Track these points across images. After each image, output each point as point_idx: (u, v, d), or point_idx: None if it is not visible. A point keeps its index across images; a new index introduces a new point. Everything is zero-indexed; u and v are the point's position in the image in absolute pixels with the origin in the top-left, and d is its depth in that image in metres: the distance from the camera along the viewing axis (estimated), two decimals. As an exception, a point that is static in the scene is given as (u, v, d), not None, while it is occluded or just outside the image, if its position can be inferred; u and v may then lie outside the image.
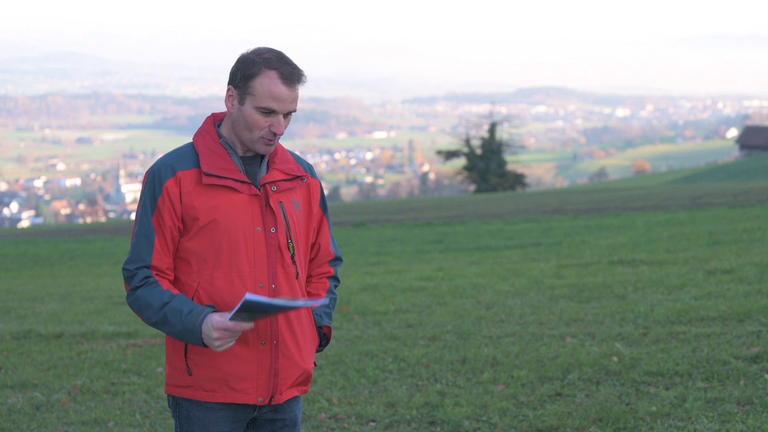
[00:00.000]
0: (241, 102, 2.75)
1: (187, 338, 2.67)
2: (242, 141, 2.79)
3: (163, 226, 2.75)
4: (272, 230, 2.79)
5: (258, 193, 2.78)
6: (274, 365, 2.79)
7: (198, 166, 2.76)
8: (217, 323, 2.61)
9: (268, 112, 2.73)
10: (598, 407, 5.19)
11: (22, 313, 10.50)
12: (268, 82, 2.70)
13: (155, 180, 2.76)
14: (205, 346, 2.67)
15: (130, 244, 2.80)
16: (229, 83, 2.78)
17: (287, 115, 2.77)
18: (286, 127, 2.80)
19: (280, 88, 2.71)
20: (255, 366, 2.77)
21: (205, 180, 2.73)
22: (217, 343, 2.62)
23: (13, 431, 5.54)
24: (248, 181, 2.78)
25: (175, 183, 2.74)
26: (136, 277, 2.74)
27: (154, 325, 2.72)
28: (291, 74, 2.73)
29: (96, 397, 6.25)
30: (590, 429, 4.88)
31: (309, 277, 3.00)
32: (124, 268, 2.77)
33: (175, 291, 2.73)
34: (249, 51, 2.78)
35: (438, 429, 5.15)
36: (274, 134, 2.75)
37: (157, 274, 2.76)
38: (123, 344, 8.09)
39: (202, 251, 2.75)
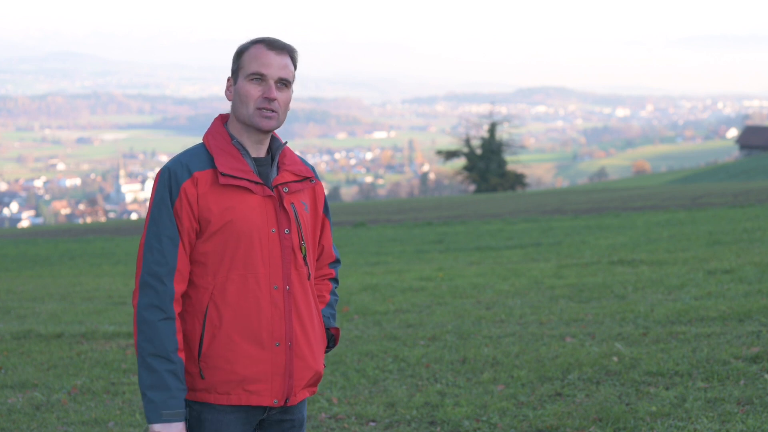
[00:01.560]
0: (235, 82, 2.80)
1: (144, 397, 2.67)
2: (243, 121, 2.78)
3: (182, 228, 2.72)
4: (286, 231, 2.78)
5: (272, 194, 2.77)
6: (289, 366, 2.78)
7: (212, 166, 2.75)
8: None
9: (259, 78, 2.75)
10: (598, 407, 5.19)
11: (22, 313, 10.50)
12: (255, 52, 2.77)
13: (171, 180, 2.73)
14: (149, 421, 2.67)
15: (142, 245, 2.73)
16: (228, 77, 2.84)
17: (282, 87, 2.78)
18: (286, 103, 2.80)
19: (267, 54, 2.75)
20: (269, 367, 2.75)
21: (222, 180, 2.71)
22: None
23: (13, 431, 5.54)
24: (262, 182, 2.77)
25: (192, 184, 2.72)
26: (160, 291, 2.68)
27: (139, 347, 2.68)
28: (276, 42, 2.79)
29: (96, 397, 6.25)
30: (590, 429, 4.88)
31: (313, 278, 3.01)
32: (150, 274, 2.68)
33: (181, 353, 2.70)
34: None
35: (438, 429, 5.15)
36: (269, 101, 2.75)
37: (177, 282, 2.70)
38: (123, 344, 8.09)
39: (217, 253, 2.73)
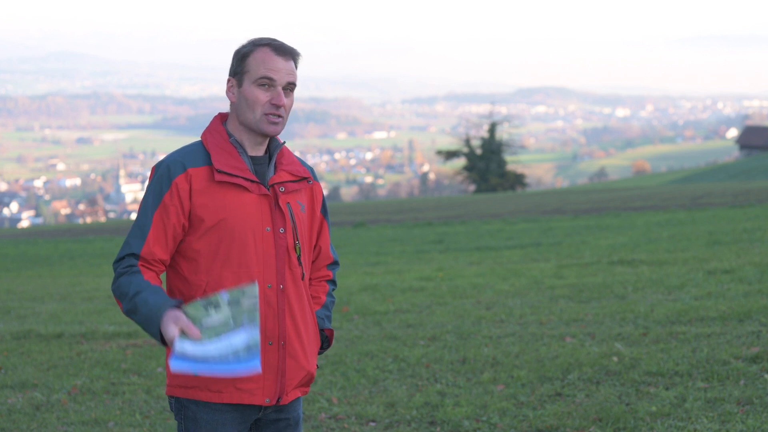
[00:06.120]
0: (240, 84, 2.77)
1: (147, 326, 2.59)
2: (247, 125, 2.78)
3: (166, 221, 2.71)
4: (281, 230, 2.78)
5: (267, 193, 2.77)
6: (281, 366, 2.78)
7: (208, 163, 2.75)
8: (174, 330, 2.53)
9: (266, 84, 2.74)
10: (598, 407, 5.19)
11: (22, 313, 10.50)
12: (261, 56, 2.74)
13: (164, 175, 2.73)
14: (162, 342, 2.60)
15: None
16: (228, 77, 2.82)
17: (287, 91, 2.78)
18: (290, 107, 2.80)
19: (274, 59, 2.74)
20: (262, 366, 2.75)
21: (218, 177, 2.71)
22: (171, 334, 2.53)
23: (13, 431, 5.54)
24: (258, 180, 2.77)
25: (185, 179, 2.72)
26: (122, 263, 2.70)
27: (127, 313, 2.64)
28: (282, 46, 2.77)
29: (96, 397, 6.25)
30: (590, 429, 4.88)
31: (309, 279, 3.00)
32: (128, 251, 2.72)
33: (157, 282, 2.68)
34: None
35: (438, 429, 5.15)
36: (277, 107, 2.74)
37: (142, 265, 2.71)
38: (123, 344, 8.09)
39: (210, 250, 2.73)
